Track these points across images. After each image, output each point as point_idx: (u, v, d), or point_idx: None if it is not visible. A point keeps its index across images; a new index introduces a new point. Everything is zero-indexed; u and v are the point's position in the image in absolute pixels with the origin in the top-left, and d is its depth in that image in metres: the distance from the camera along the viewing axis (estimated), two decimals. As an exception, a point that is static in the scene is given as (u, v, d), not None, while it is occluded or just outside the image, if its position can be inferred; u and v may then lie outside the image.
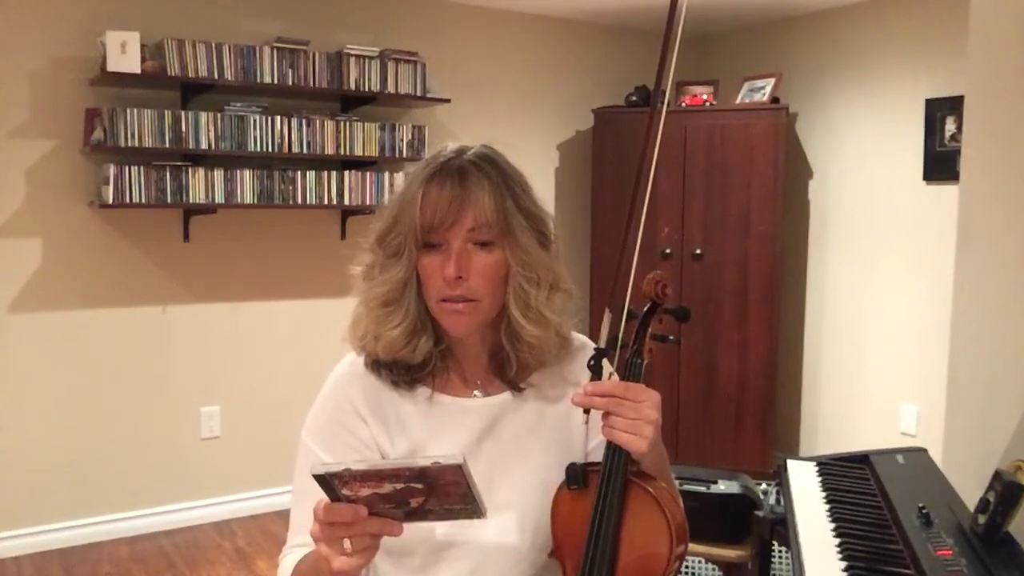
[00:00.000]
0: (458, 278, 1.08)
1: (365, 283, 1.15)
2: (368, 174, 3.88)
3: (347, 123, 3.82)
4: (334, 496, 0.89)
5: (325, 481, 0.87)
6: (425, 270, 1.11)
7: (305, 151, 3.73)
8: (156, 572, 3.36)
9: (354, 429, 1.16)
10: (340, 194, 3.82)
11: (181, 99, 3.58)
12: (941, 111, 3.82)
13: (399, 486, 0.87)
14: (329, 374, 1.22)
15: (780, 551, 2.65)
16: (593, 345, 1.23)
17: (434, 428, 1.16)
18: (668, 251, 4.27)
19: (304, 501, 1.11)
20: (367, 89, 3.85)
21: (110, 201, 3.37)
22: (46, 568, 3.37)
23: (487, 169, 1.11)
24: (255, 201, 3.64)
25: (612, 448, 1.06)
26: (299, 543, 1.13)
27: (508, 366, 1.17)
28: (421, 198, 1.08)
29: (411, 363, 1.15)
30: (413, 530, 1.08)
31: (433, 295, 1.11)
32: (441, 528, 1.12)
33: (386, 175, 3.92)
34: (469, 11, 4.34)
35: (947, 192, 3.72)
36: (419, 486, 0.87)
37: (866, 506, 1.66)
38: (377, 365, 1.17)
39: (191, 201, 3.52)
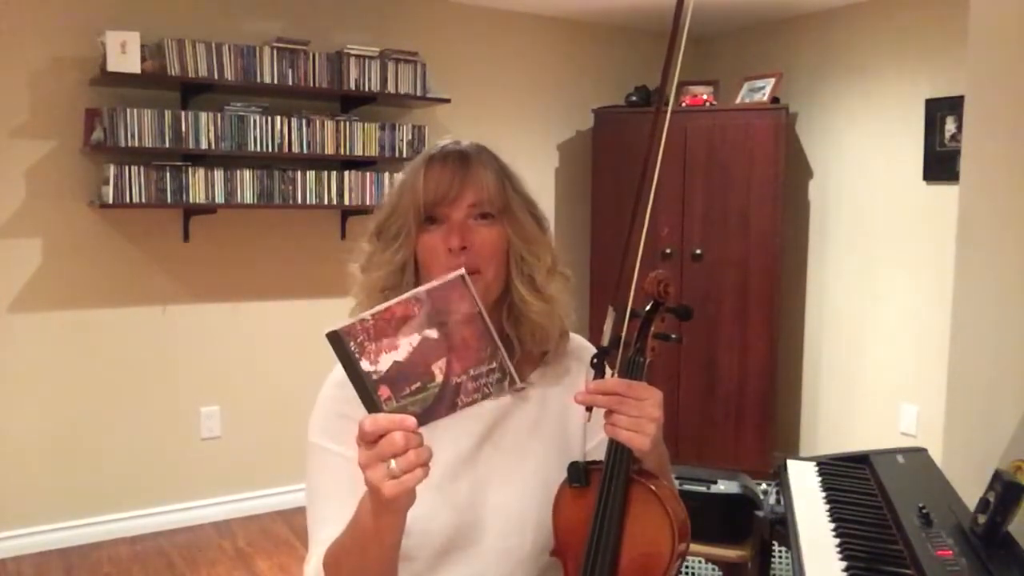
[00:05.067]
0: (462, 248, 1.09)
1: (363, 274, 1.16)
2: (368, 174, 3.88)
3: (347, 123, 3.82)
4: (354, 372, 0.86)
5: (340, 342, 0.85)
6: (426, 247, 1.11)
7: (305, 151, 3.73)
8: (156, 572, 3.36)
9: (357, 417, 1.16)
10: (340, 194, 3.82)
11: (181, 99, 3.58)
12: (941, 111, 3.82)
13: (415, 340, 0.86)
14: (327, 374, 1.22)
15: (780, 551, 2.65)
16: (591, 345, 1.24)
17: (433, 433, 1.16)
18: (668, 251, 4.27)
19: (321, 497, 1.11)
20: (367, 89, 3.85)
21: (110, 201, 3.37)
22: (46, 568, 3.37)
23: (485, 154, 1.15)
24: (255, 201, 3.64)
25: (614, 446, 1.06)
26: (323, 538, 1.11)
27: (511, 356, 1.17)
28: (423, 176, 1.11)
29: None
30: (414, 534, 1.08)
31: (435, 272, 1.11)
32: (443, 531, 1.12)
33: (386, 175, 3.92)
34: (469, 11, 4.34)
35: (947, 192, 3.72)
36: (434, 335, 0.86)
37: (866, 506, 1.66)
38: None
39: (191, 201, 3.52)
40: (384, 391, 0.87)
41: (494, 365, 0.89)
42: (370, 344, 0.85)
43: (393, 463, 0.86)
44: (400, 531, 0.96)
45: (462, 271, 0.86)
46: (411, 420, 0.87)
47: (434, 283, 0.86)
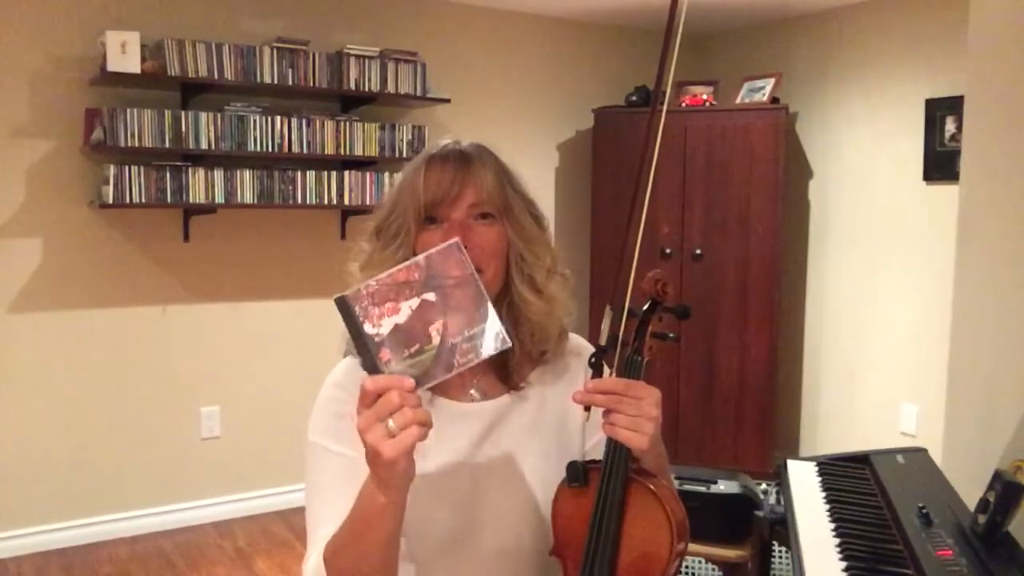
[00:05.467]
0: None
1: (362, 274, 1.16)
2: (368, 174, 3.88)
3: (347, 123, 3.82)
4: (357, 334, 0.91)
5: (347, 307, 0.91)
6: (426, 245, 1.10)
7: (305, 151, 3.73)
8: (156, 572, 3.36)
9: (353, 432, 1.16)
10: (340, 194, 3.82)
11: (181, 99, 3.58)
12: (941, 111, 3.82)
13: (414, 304, 0.91)
14: (327, 374, 1.22)
15: (780, 551, 2.64)
16: (589, 344, 1.24)
17: (433, 432, 1.16)
18: (668, 251, 4.27)
19: (321, 493, 1.11)
20: (367, 89, 3.85)
21: (110, 201, 3.37)
22: (46, 568, 3.37)
23: (485, 154, 1.16)
24: (255, 201, 3.64)
25: (613, 445, 1.06)
26: (323, 535, 1.11)
27: (510, 356, 1.17)
28: (424, 176, 1.11)
29: None
30: (413, 535, 1.08)
31: None
32: (442, 531, 1.12)
33: (386, 175, 3.92)
34: (469, 11, 4.34)
35: (947, 192, 3.72)
36: (432, 298, 0.92)
37: (866, 506, 1.66)
38: None
39: (191, 201, 3.52)
40: (385, 354, 0.92)
41: (485, 323, 0.94)
42: (373, 308, 0.91)
43: (391, 422, 0.88)
44: (399, 514, 0.96)
45: (457, 240, 0.94)
46: (409, 380, 0.90)
47: (432, 250, 0.93)
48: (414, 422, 0.89)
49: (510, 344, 0.94)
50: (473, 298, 0.93)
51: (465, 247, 1.08)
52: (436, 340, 0.92)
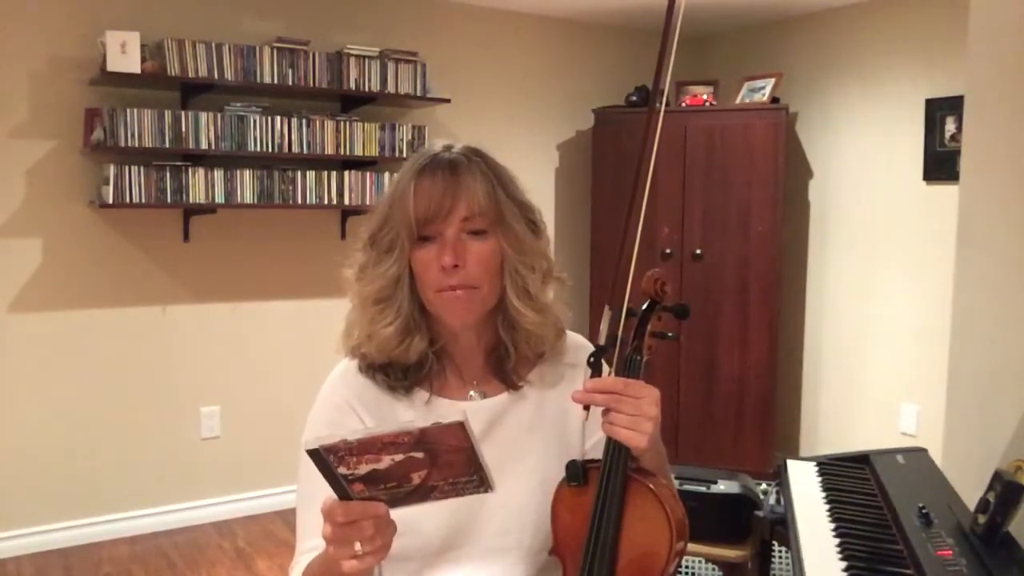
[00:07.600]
0: (455, 266, 1.08)
1: (358, 284, 1.15)
2: (368, 174, 3.88)
3: (347, 123, 3.82)
4: (329, 474, 0.86)
5: (320, 457, 0.84)
6: (420, 263, 1.11)
7: (305, 151, 3.73)
8: (156, 572, 3.36)
9: (352, 426, 1.16)
10: (340, 194, 3.82)
11: (181, 99, 3.58)
12: (941, 111, 3.82)
13: (398, 457, 0.85)
14: (327, 374, 1.22)
15: (780, 551, 2.65)
16: (589, 343, 1.24)
17: None
18: (668, 251, 4.27)
19: (310, 505, 1.11)
20: (367, 89, 3.85)
21: (110, 201, 3.37)
22: (46, 568, 3.37)
23: (476, 160, 1.13)
24: (255, 201, 3.64)
25: (612, 444, 1.06)
26: (310, 547, 1.12)
27: (507, 359, 1.17)
28: (413, 191, 1.09)
29: (406, 364, 1.15)
30: (411, 534, 1.08)
31: (431, 286, 1.11)
32: (440, 530, 1.12)
33: (386, 175, 3.92)
34: (469, 11, 4.34)
35: (947, 192, 3.72)
36: (420, 456, 0.86)
37: (866, 506, 1.66)
38: (372, 369, 1.17)
39: (191, 201, 3.52)
40: (358, 486, 0.88)
41: (474, 477, 0.90)
42: (351, 458, 0.85)
43: (359, 546, 0.89)
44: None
45: (464, 418, 0.84)
46: (382, 507, 0.89)
47: (431, 424, 0.84)
48: (382, 547, 0.90)
49: (493, 489, 0.92)
50: (466, 461, 0.87)
51: (456, 266, 1.08)
52: (416, 482, 0.88)
